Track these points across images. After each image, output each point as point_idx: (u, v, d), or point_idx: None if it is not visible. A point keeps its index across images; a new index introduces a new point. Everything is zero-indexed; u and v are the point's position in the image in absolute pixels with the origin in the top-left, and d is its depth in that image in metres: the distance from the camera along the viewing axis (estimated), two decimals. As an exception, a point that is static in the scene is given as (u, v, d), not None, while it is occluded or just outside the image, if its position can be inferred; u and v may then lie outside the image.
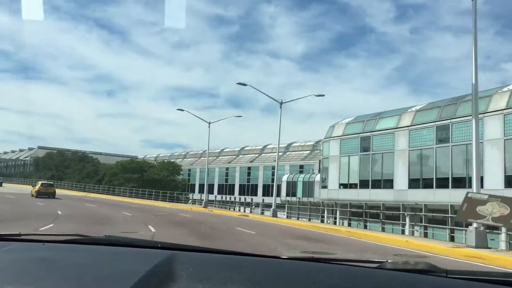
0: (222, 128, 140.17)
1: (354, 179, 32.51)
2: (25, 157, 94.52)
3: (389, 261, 1.59)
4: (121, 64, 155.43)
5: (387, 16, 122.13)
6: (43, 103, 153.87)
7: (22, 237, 1.81)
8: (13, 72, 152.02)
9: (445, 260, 11.91)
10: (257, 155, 77.68)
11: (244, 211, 53.96)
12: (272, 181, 74.93)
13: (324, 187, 35.24)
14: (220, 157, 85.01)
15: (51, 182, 45.88)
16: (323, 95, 30.21)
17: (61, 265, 1.42)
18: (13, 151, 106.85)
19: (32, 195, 39.79)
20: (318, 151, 71.03)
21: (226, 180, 78.16)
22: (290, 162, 71.01)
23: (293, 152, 74.12)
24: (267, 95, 31.12)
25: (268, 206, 63.44)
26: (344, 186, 33.52)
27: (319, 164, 65.50)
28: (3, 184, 63.28)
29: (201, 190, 76.13)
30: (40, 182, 43.27)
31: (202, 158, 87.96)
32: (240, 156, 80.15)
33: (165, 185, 56.42)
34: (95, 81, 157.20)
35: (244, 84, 30.05)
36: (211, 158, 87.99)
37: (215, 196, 69.32)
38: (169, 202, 41.76)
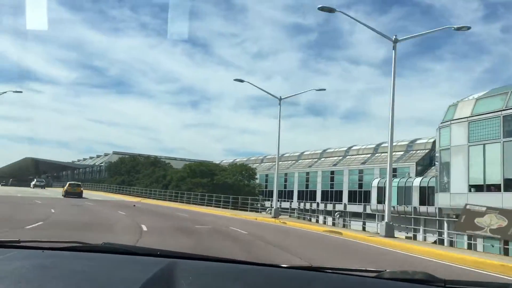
0: (301, 135, 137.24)
1: (494, 178, 22.71)
2: (100, 163, 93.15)
3: (387, 270, 1.59)
4: (204, 75, 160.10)
5: (475, 16, 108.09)
6: (133, 116, 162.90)
7: (22, 244, 1.80)
8: (106, 87, 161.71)
9: None
10: (340, 157, 68.91)
11: (325, 222, 45.06)
12: (360, 186, 65.78)
13: (444, 190, 25.54)
14: (300, 161, 76.98)
15: (78, 183, 48.64)
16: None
17: (60, 273, 1.42)
18: (91, 157, 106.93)
19: (63, 195, 42.86)
20: (414, 152, 60.72)
21: (307, 186, 69.92)
22: (380, 165, 61.56)
23: (383, 154, 64.56)
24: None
25: (356, 215, 54.62)
26: (477, 188, 23.81)
27: (416, 166, 55.35)
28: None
29: (280, 197, 68.68)
30: (68, 183, 47.32)
31: (281, 163, 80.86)
32: (322, 159, 71.47)
33: (237, 190, 49.23)
34: (180, 93, 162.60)
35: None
36: (289, 162, 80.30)
37: (294, 204, 61.17)
38: (239, 211, 34.23)
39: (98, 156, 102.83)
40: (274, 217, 26.30)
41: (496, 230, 10.34)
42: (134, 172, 73.29)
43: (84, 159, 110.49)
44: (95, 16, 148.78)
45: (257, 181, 59.37)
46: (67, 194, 42.21)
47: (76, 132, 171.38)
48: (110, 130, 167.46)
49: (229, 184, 52.58)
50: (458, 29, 16.75)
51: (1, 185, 76.93)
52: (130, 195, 51.86)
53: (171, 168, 68.54)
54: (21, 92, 37.01)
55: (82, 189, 45.13)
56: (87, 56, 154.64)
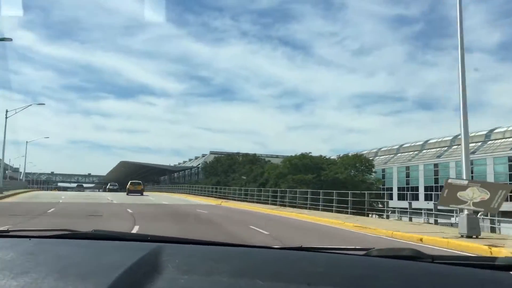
0: (412, 131, 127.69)
1: None
2: (198, 164, 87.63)
3: (375, 248, 1.62)
4: (306, 77, 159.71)
5: None
6: (238, 121, 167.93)
7: (10, 233, 1.79)
8: (212, 95, 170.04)
9: None
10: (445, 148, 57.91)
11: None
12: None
13: None
14: (424, 151, 63.56)
15: (139, 182, 51.83)
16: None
17: (45, 259, 1.41)
18: (190, 159, 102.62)
19: (126, 194, 45.40)
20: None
21: (436, 181, 56.55)
22: (494, 154, 51.48)
23: (497, 141, 53.83)
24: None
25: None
26: None
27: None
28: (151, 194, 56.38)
29: (401, 197, 56.25)
30: (130, 182, 50.16)
31: (400, 155, 67.97)
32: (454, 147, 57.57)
33: (351, 188, 38.18)
34: (283, 96, 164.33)
35: None
36: (411, 153, 67.34)
37: (418, 203, 48.50)
38: (365, 217, 23.20)
39: (196, 158, 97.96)
40: (471, 235, 11.36)
41: (479, 203, 10.59)
42: (230, 172, 65.71)
43: (184, 162, 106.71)
44: (199, 29, 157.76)
45: (374, 175, 47.61)
46: (129, 192, 45.91)
47: (187, 140, 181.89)
48: (217, 136, 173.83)
49: (341, 180, 41.84)
50: None
51: (97, 191, 76.23)
52: (213, 196, 43.06)
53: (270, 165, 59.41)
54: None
55: (142, 187, 49.43)
56: (193, 67, 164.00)
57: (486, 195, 10.43)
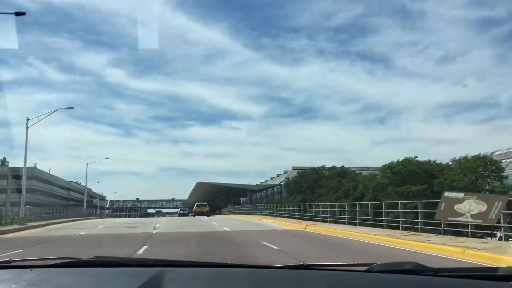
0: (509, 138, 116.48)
1: None
2: (280, 182, 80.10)
3: (377, 263, 1.56)
4: (388, 90, 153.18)
5: None
6: (321, 139, 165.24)
7: (12, 263, 1.76)
8: (294, 115, 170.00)
9: None
10: None
11: None
12: None
13: None
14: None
15: (205, 203, 54.09)
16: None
17: None
18: (271, 178, 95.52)
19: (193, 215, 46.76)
20: None
21: None
22: None
23: None
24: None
25: None
26: None
27: None
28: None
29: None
30: (196, 204, 53.51)
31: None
32: None
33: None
34: (366, 111, 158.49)
35: None
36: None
37: None
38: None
39: (278, 176, 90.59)
40: None
41: (476, 215, 10.59)
42: (317, 188, 57.30)
43: (266, 181, 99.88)
44: (276, 51, 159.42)
45: (506, 180, 36.65)
46: (195, 214, 48.52)
47: (271, 161, 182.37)
48: (301, 156, 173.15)
49: (461, 190, 31.73)
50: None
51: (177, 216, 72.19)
52: (296, 217, 34.66)
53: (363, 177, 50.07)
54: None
55: (208, 209, 52.68)
56: (273, 89, 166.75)
57: (483, 207, 10.41)
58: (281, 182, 78.01)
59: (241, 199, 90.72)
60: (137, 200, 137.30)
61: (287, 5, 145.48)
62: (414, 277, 1.45)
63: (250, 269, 1.63)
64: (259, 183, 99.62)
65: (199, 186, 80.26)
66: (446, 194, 11.06)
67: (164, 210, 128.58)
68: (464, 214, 10.51)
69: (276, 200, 66.25)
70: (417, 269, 1.49)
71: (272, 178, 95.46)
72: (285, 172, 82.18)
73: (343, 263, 1.67)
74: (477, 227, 16.45)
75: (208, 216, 45.91)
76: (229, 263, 1.70)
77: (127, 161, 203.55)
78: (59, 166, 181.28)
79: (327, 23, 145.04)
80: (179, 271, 1.57)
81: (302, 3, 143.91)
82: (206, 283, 1.38)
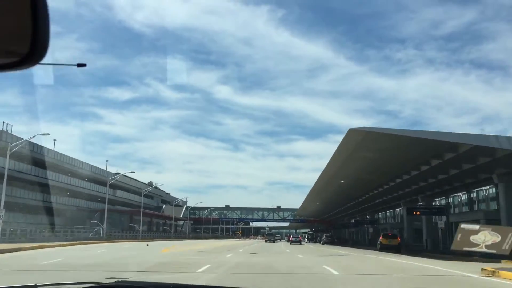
0: None
1: None
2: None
3: None
4: (508, 100, 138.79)
5: None
6: None
7: None
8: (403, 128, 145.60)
9: None
10: None
11: None
12: None
13: None
14: None
15: (395, 234, 39.26)
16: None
17: None
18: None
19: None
20: None
21: None
22: None
23: None
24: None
25: None
26: None
27: None
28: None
29: None
30: (382, 233, 39.83)
31: None
32: None
33: None
34: (483, 123, 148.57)
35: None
36: None
37: None
38: None
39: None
40: None
41: (491, 245, 11.57)
42: None
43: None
44: (381, 63, 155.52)
45: None
46: (381, 248, 35.27)
47: None
48: None
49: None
50: None
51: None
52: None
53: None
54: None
55: (399, 239, 37.37)
56: (379, 102, 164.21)
57: (497, 238, 11.23)
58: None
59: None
60: (227, 207, 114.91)
61: (391, 15, 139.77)
62: None
63: None
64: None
65: (356, 135, 34.24)
66: (463, 226, 12.47)
67: (270, 224, 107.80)
68: (479, 245, 11.62)
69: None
70: None
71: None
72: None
73: None
74: None
75: (399, 252, 32.17)
76: None
77: (235, 175, 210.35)
78: (174, 179, 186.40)
79: (436, 31, 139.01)
80: None
81: (408, 12, 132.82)
82: None
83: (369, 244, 57.00)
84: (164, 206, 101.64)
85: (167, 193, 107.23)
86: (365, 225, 63.51)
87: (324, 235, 72.11)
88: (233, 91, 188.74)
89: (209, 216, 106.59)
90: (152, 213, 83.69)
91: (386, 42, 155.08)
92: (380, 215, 67.48)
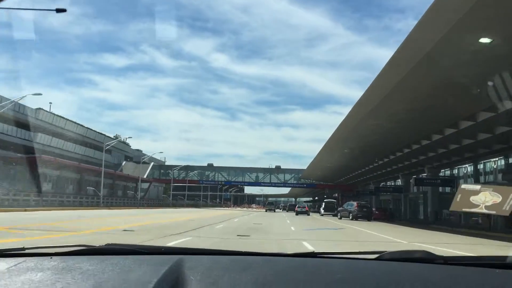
0: None
1: None
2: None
3: (387, 251, 1.63)
4: None
5: None
6: None
7: (27, 251, 1.80)
8: None
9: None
10: None
11: None
12: None
13: None
14: None
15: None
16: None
17: (73, 277, 1.42)
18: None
19: None
20: None
21: None
22: None
23: None
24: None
25: None
26: None
27: None
28: None
29: None
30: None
31: None
32: None
33: None
34: None
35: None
36: None
37: None
38: None
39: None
40: None
41: (491, 206, 10.96)
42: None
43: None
44: (380, 33, 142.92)
45: None
46: None
47: None
48: None
49: None
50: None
51: None
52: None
53: None
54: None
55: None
56: (377, 73, 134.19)
57: (498, 199, 10.60)
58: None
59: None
60: (210, 167, 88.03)
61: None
62: (424, 265, 1.47)
63: (266, 257, 1.68)
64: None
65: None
66: (463, 186, 12.17)
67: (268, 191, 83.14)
68: (479, 205, 11.01)
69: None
70: (427, 258, 1.53)
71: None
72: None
73: (354, 251, 1.73)
74: None
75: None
76: (245, 251, 1.78)
77: (232, 144, 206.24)
78: (170, 147, 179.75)
79: None
80: (197, 259, 1.61)
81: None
82: (226, 271, 1.41)
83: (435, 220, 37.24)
84: (124, 163, 78.77)
85: (137, 149, 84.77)
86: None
87: (356, 204, 41.83)
88: (230, 60, 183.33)
89: (185, 178, 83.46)
90: (98, 169, 59.24)
91: (386, 12, 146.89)
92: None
